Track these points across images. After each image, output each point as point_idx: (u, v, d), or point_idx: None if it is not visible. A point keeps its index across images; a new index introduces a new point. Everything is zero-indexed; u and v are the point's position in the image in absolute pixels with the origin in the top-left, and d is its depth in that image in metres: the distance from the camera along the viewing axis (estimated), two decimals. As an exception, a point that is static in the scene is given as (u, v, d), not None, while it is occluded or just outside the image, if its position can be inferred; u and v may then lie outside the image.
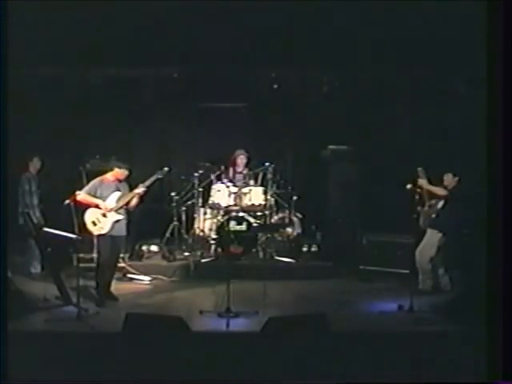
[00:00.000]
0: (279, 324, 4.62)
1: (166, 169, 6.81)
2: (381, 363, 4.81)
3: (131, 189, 6.69)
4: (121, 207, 6.59)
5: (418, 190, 6.67)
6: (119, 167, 6.61)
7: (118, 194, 6.59)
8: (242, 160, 8.53)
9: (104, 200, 6.53)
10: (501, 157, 4.28)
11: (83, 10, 6.97)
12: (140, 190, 6.59)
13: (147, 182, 6.64)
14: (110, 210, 6.51)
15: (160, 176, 6.78)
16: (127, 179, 6.76)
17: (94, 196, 6.53)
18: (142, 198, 6.77)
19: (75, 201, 6.53)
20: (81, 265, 6.44)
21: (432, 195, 6.82)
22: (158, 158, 9.25)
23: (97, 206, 6.50)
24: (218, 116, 9.09)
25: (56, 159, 8.10)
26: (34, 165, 7.67)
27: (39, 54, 7.28)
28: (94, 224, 6.51)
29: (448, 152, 8.24)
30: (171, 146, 9.33)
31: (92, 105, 8.62)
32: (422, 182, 6.71)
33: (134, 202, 6.66)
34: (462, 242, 7.11)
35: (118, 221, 6.55)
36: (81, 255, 6.59)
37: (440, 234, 6.80)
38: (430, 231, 6.86)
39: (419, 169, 6.73)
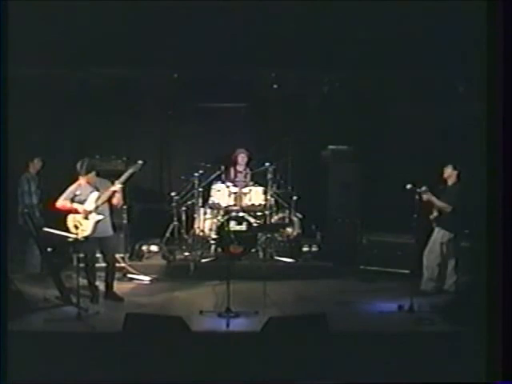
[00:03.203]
0: (279, 324, 4.63)
1: (140, 162, 6.69)
2: (381, 363, 4.81)
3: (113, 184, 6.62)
4: (99, 206, 6.51)
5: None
6: (83, 174, 6.51)
7: (96, 194, 6.53)
8: (242, 159, 8.55)
9: (83, 203, 6.49)
10: (501, 156, 4.28)
11: (83, 10, 6.97)
12: (116, 187, 6.54)
13: (122, 178, 6.58)
14: (90, 212, 6.49)
15: (134, 170, 6.66)
16: (98, 178, 6.66)
17: (73, 201, 6.48)
18: (124, 195, 6.75)
19: (56, 208, 6.52)
20: (81, 265, 6.44)
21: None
22: (158, 158, 9.28)
23: (76, 211, 6.47)
24: (218, 116, 9.09)
25: (56, 159, 8.09)
26: (34, 165, 7.67)
27: (39, 54, 7.28)
28: (76, 227, 6.46)
29: (448, 152, 8.23)
30: (171, 146, 9.34)
31: (92, 105, 8.62)
32: (430, 197, 6.69)
33: (116, 200, 6.58)
34: (464, 241, 7.11)
35: (99, 221, 6.51)
36: (81, 255, 6.57)
37: (442, 231, 6.80)
38: (436, 229, 6.87)
39: (423, 188, 6.67)
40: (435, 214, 6.87)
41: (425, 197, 6.67)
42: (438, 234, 6.83)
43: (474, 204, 6.56)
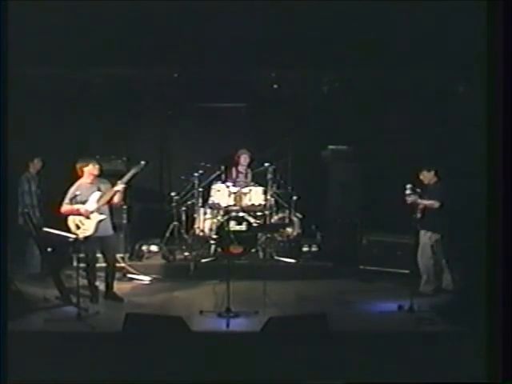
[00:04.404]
0: (279, 324, 4.63)
1: (142, 162, 6.72)
2: (381, 363, 4.81)
3: (112, 186, 6.62)
4: (101, 206, 6.53)
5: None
6: (85, 165, 6.55)
7: (97, 194, 6.53)
8: (245, 159, 8.56)
9: (84, 203, 6.48)
10: (501, 156, 4.28)
11: (83, 9, 6.96)
12: (119, 187, 6.55)
13: (125, 179, 6.60)
14: (92, 212, 6.48)
15: (137, 170, 6.68)
16: (101, 173, 6.70)
17: (75, 202, 6.44)
18: (124, 194, 6.78)
19: (60, 213, 6.51)
20: (81, 265, 6.44)
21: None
22: (158, 158, 9.27)
23: (78, 212, 6.46)
24: (218, 116, 9.09)
25: (56, 159, 8.08)
26: (34, 165, 7.67)
27: (39, 54, 7.28)
28: (78, 227, 6.46)
29: (448, 152, 8.24)
30: (171, 145, 9.34)
31: (92, 105, 8.62)
32: (417, 199, 6.72)
33: (117, 199, 6.61)
34: (461, 242, 7.11)
35: (101, 221, 6.52)
36: (81, 255, 6.58)
37: (429, 233, 6.81)
38: (421, 232, 6.88)
39: (408, 191, 6.70)
40: (418, 215, 6.85)
41: (409, 199, 6.70)
42: (425, 237, 6.84)
43: (457, 203, 6.63)
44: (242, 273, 7.39)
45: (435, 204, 6.69)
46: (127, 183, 6.65)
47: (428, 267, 6.86)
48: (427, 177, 6.91)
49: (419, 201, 6.74)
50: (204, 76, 8.43)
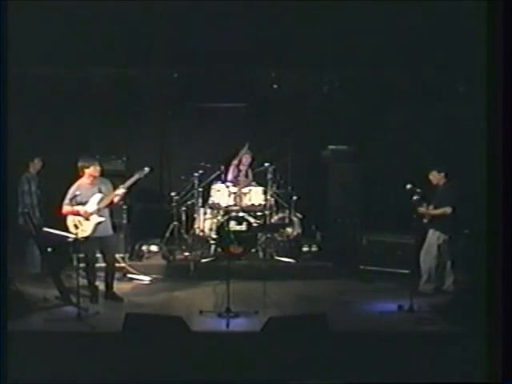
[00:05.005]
0: (279, 324, 4.63)
1: (146, 169, 6.71)
2: (381, 363, 4.81)
3: (114, 187, 6.62)
4: (101, 208, 6.52)
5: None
6: (87, 166, 6.54)
7: (98, 196, 6.51)
8: (247, 159, 8.56)
9: (84, 204, 6.47)
10: (501, 156, 4.28)
11: (84, 9, 6.97)
12: (120, 191, 6.55)
13: (127, 183, 6.60)
14: (91, 213, 6.47)
15: (140, 176, 6.68)
16: (102, 174, 6.69)
17: (75, 202, 6.41)
18: (124, 197, 6.78)
19: (61, 214, 6.51)
20: (81, 265, 6.44)
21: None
22: (158, 158, 9.28)
23: (78, 213, 6.44)
24: (218, 116, 9.09)
25: (56, 159, 8.08)
26: (34, 165, 7.66)
27: (39, 54, 7.28)
28: (76, 227, 6.46)
29: (448, 152, 8.24)
30: (171, 145, 9.34)
31: (92, 105, 8.62)
32: (426, 211, 6.72)
33: (116, 200, 6.60)
34: (461, 241, 7.11)
35: (100, 222, 6.51)
36: (81, 255, 6.58)
37: (438, 233, 6.81)
38: (430, 231, 6.88)
39: (414, 198, 6.68)
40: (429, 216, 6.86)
41: (421, 209, 6.71)
42: (434, 236, 6.83)
43: (467, 204, 6.62)
44: (242, 273, 7.40)
45: (448, 210, 6.68)
46: (128, 188, 6.65)
47: (431, 267, 6.85)
48: (437, 177, 6.89)
49: (430, 212, 6.73)
50: (204, 76, 8.43)
